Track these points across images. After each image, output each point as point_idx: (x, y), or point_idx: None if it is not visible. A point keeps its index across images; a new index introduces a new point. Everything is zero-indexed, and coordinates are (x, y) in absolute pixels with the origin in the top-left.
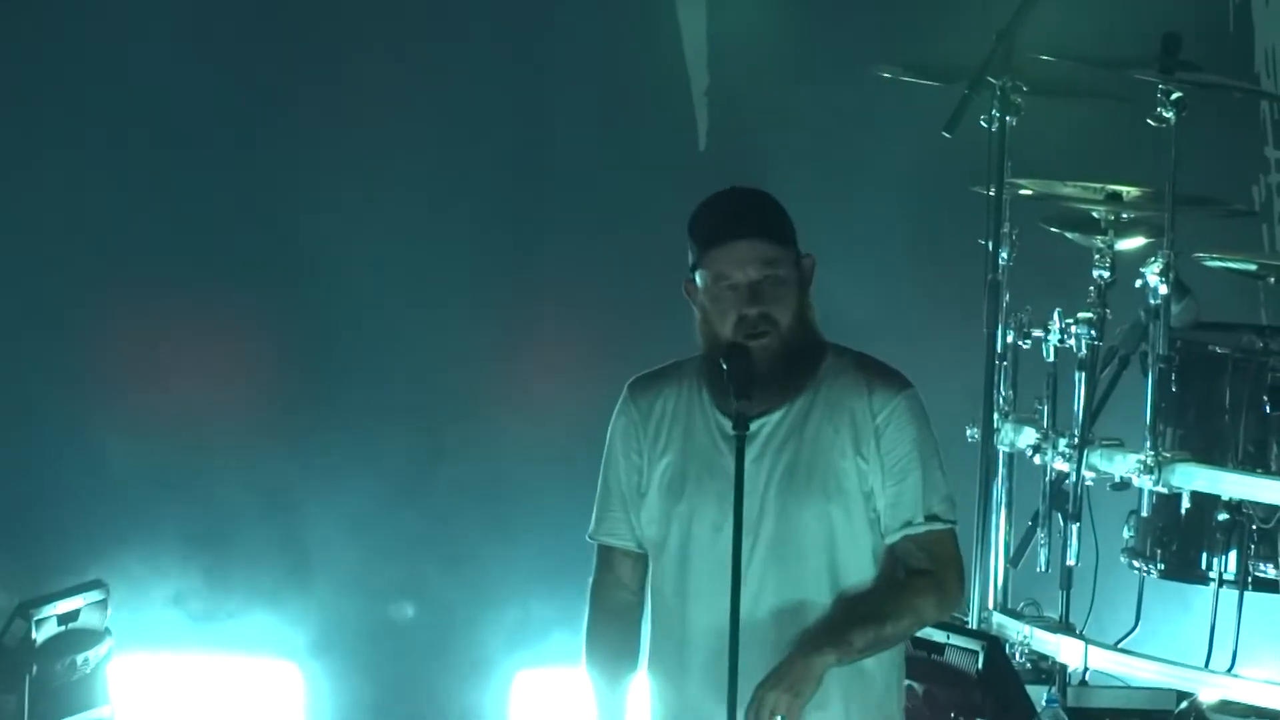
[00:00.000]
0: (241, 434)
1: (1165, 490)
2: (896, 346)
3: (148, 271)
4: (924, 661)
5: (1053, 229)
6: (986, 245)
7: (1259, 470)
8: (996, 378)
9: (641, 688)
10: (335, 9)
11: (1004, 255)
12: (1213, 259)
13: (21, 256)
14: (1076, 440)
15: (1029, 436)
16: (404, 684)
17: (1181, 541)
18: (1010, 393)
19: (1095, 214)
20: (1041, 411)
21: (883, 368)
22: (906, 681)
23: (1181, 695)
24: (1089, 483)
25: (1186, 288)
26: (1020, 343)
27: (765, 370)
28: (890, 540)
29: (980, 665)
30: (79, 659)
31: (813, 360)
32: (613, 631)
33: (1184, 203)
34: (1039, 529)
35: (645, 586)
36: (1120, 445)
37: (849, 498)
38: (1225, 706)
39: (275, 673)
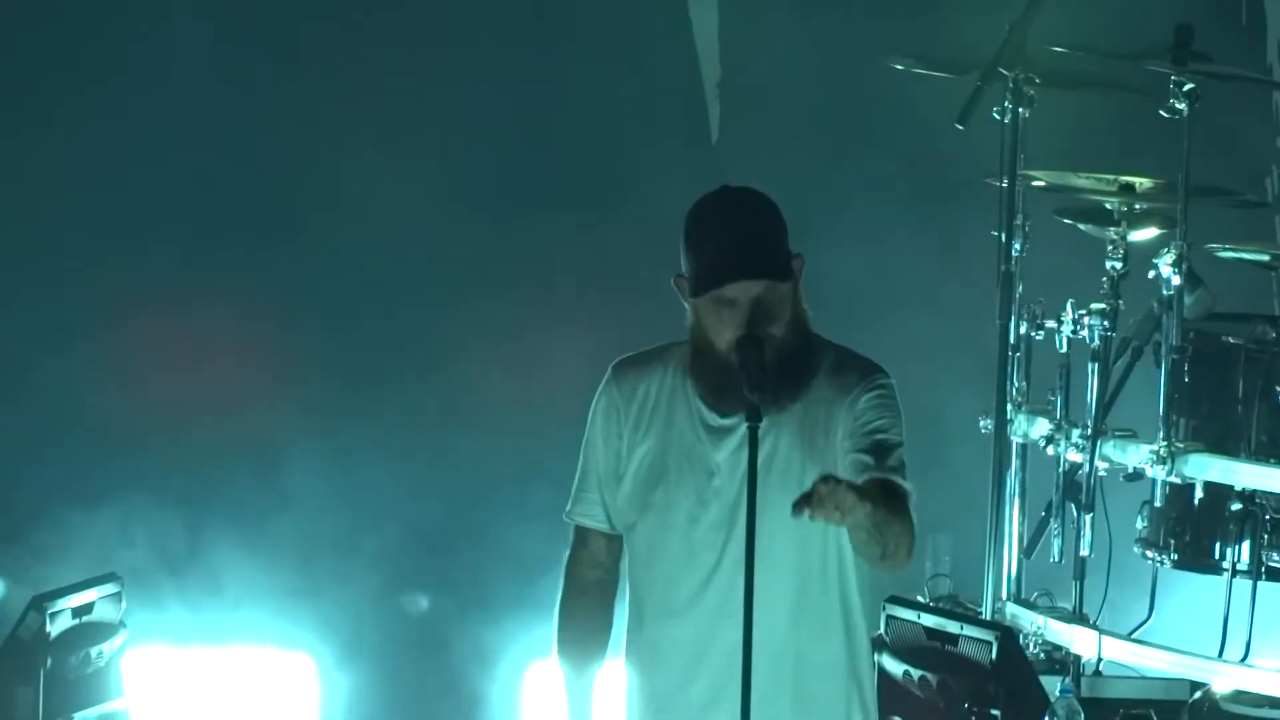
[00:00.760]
0: (255, 429)
1: (1178, 481)
2: (909, 338)
3: (160, 270)
4: (937, 652)
5: (1065, 220)
6: (999, 237)
7: (1272, 460)
8: (1010, 369)
9: (618, 676)
10: (341, 4)
11: (1017, 247)
12: (1225, 250)
13: (28, 255)
14: (1090, 431)
15: (1042, 427)
16: (417, 674)
17: (1195, 532)
18: (1023, 384)
19: (1108, 205)
20: (1055, 402)
21: (861, 359)
22: (920, 672)
23: (1195, 685)
24: (1102, 473)
25: (1199, 278)
26: (1033, 334)
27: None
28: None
29: (994, 656)
30: (93, 652)
31: (810, 361)
32: (584, 609)
33: (1197, 194)
34: (1052, 520)
35: (619, 566)
36: (1133, 436)
37: None
38: (1239, 696)
39: (289, 665)
